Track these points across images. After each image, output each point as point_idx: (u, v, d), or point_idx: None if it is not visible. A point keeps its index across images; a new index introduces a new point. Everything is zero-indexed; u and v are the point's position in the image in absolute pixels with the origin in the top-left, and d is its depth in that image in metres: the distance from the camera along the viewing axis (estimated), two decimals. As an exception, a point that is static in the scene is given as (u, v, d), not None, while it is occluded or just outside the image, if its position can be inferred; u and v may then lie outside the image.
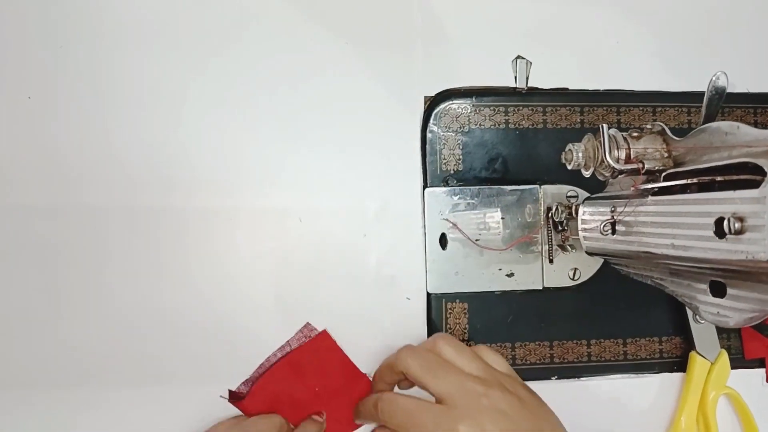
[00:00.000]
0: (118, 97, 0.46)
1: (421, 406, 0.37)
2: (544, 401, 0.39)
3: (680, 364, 0.50)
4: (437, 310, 0.48)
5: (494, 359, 0.41)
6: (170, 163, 0.46)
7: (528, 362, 0.49)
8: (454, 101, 0.49)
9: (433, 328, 0.48)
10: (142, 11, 0.46)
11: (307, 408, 0.43)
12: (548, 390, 0.49)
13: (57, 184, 0.45)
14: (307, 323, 0.44)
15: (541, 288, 0.49)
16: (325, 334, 0.45)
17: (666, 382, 0.50)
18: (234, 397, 0.44)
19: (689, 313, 0.49)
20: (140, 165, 0.46)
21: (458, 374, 0.38)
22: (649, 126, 0.38)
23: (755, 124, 0.52)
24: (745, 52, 0.52)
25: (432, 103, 0.49)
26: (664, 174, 0.37)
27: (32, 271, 0.44)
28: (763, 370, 0.51)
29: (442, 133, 0.49)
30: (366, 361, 0.46)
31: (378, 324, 0.47)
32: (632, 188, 0.38)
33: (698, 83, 0.50)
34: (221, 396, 0.43)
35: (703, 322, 0.49)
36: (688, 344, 0.50)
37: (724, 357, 0.49)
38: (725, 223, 0.30)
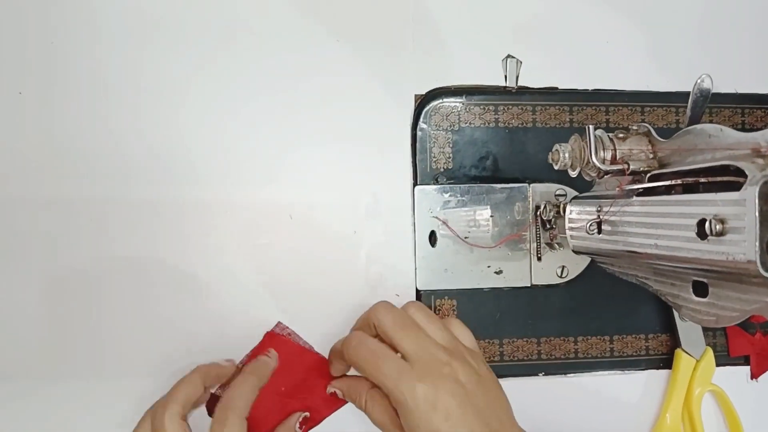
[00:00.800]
0: (115, 93, 0.46)
1: (386, 352, 0.38)
2: (500, 384, 0.40)
3: (666, 361, 0.51)
4: (426, 307, 0.48)
5: (462, 332, 0.41)
6: (164, 158, 0.46)
7: (515, 359, 0.49)
8: (445, 99, 0.49)
9: (422, 324, 0.48)
10: (141, 7, 0.47)
11: (280, 409, 0.43)
12: (535, 386, 0.50)
13: (54, 176, 0.45)
14: (278, 323, 0.44)
15: (529, 285, 0.49)
16: (270, 335, 0.43)
17: (652, 378, 0.51)
18: (213, 401, 0.43)
19: (675, 311, 0.49)
20: (136, 159, 0.46)
21: (426, 338, 0.39)
22: (635, 127, 0.39)
23: (743, 125, 0.52)
24: (733, 53, 0.53)
25: (422, 102, 0.49)
26: (649, 175, 0.37)
27: (32, 266, 0.45)
28: (747, 368, 0.52)
29: (432, 131, 0.49)
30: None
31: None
32: (618, 188, 0.38)
33: (687, 83, 0.50)
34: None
35: (686, 320, 0.49)
36: (674, 341, 0.50)
37: (710, 354, 0.50)
38: (707, 224, 0.30)
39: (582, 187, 0.47)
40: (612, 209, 0.39)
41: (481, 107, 0.49)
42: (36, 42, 0.46)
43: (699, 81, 0.36)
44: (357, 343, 0.40)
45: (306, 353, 0.44)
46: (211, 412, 0.41)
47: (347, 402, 0.43)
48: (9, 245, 0.45)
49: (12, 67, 0.45)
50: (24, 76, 0.45)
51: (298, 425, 0.43)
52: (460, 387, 0.38)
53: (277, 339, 0.43)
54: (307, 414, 0.43)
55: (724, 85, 0.52)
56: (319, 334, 0.46)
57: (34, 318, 0.45)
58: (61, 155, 0.45)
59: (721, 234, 0.30)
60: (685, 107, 0.45)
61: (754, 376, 0.52)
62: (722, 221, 0.30)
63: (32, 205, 0.45)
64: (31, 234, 0.45)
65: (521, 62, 0.50)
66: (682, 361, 0.49)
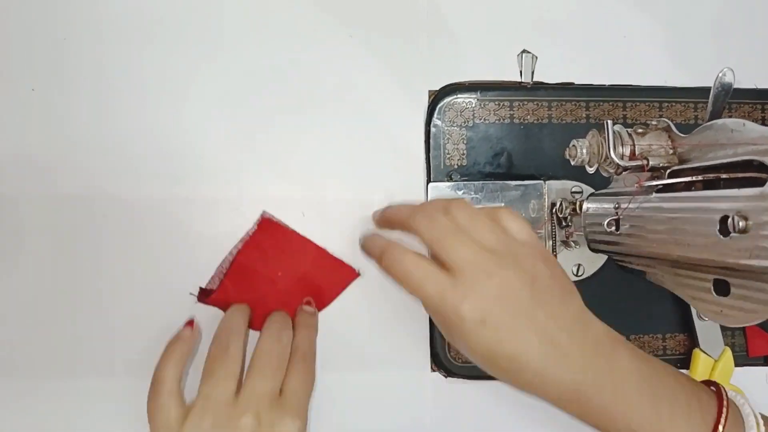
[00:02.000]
0: (123, 89, 0.46)
1: (427, 268, 0.35)
2: (570, 284, 0.36)
3: (683, 362, 0.50)
4: (440, 305, 0.48)
5: (514, 224, 0.37)
6: (174, 155, 0.46)
7: (530, 358, 0.49)
8: (459, 95, 0.48)
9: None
10: (153, 1, 0.46)
11: (277, 294, 0.44)
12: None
13: (63, 173, 0.45)
14: (263, 212, 0.45)
15: (544, 284, 0.48)
16: (265, 222, 0.45)
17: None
18: (204, 295, 0.44)
19: (693, 309, 0.48)
20: (144, 156, 0.46)
21: (471, 245, 0.35)
22: (654, 122, 0.38)
23: (763, 120, 0.51)
24: (753, 48, 0.52)
25: (436, 98, 0.48)
26: (668, 171, 0.37)
27: (33, 262, 0.45)
28: (766, 368, 0.51)
29: (446, 128, 0.48)
30: (371, 359, 0.46)
31: (381, 318, 0.47)
32: (636, 185, 0.38)
33: (705, 78, 0.50)
34: (191, 293, 0.44)
35: (706, 319, 0.48)
36: (692, 341, 0.49)
37: (728, 354, 0.49)
38: (729, 221, 0.30)
39: (598, 184, 0.46)
40: (630, 206, 0.38)
41: (496, 103, 0.49)
42: (48, 38, 0.46)
43: (720, 75, 0.36)
44: (395, 258, 0.36)
45: (300, 242, 0.45)
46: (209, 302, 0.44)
47: (357, 275, 0.44)
48: (14, 241, 0.45)
49: (25, 64, 0.45)
50: (30, 73, 0.45)
51: (306, 305, 0.44)
52: (513, 298, 0.34)
53: (272, 225, 0.44)
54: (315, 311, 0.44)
55: (744, 80, 0.51)
56: (331, 332, 0.46)
57: (35, 318, 0.45)
58: (72, 151, 0.45)
59: (744, 231, 0.29)
60: (705, 103, 0.44)
61: (774, 376, 0.51)
62: (745, 218, 0.29)
63: (38, 201, 0.45)
64: (36, 230, 0.45)
65: (537, 57, 0.49)
66: (701, 361, 0.49)
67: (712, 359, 0.49)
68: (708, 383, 0.38)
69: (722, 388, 0.36)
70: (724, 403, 0.35)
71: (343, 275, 0.46)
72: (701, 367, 0.49)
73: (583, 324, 0.35)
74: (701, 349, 0.49)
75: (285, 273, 0.44)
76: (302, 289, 0.45)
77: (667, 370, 0.36)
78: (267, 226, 0.45)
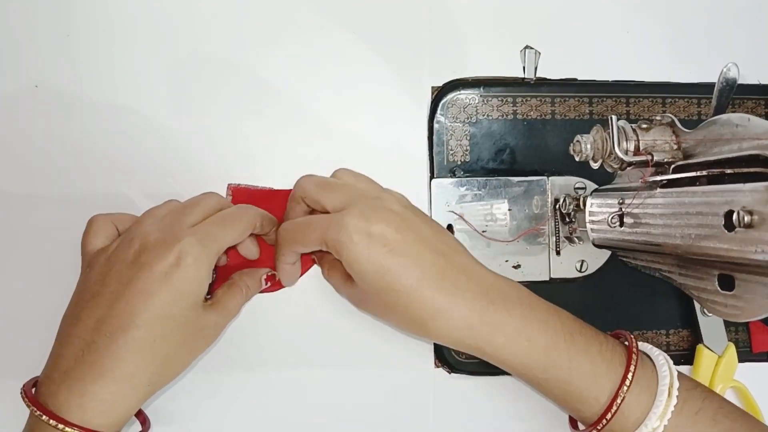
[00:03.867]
0: (126, 86, 0.46)
1: (310, 216, 0.40)
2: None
3: (687, 357, 0.50)
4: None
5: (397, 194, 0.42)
6: (178, 153, 0.46)
7: (534, 354, 0.49)
8: (462, 91, 0.48)
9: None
10: (150, 3, 0.46)
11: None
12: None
13: (68, 172, 0.45)
14: (228, 184, 0.45)
15: (548, 279, 0.48)
16: (235, 190, 0.45)
17: (673, 374, 0.50)
18: None
19: (697, 305, 0.48)
20: (149, 155, 0.46)
21: (352, 188, 0.39)
22: (658, 117, 0.38)
23: (767, 116, 0.51)
24: (756, 43, 0.52)
25: (439, 94, 0.48)
26: (673, 166, 0.37)
27: (33, 261, 0.45)
28: (770, 364, 0.51)
29: (449, 124, 0.48)
30: (370, 357, 0.47)
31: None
32: (641, 180, 0.38)
33: (709, 74, 0.50)
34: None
35: (710, 315, 0.48)
36: (696, 337, 0.49)
37: (732, 350, 0.49)
38: (735, 216, 0.30)
39: (602, 180, 0.46)
40: (635, 201, 0.38)
41: (499, 99, 0.49)
42: (52, 35, 0.45)
43: (725, 70, 0.36)
44: (283, 227, 0.41)
45: (276, 193, 0.45)
46: None
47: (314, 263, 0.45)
48: (13, 240, 0.45)
49: (28, 60, 0.45)
50: (33, 70, 0.45)
51: (264, 279, 0.44)
52: (394, 214, 0.37)
53: (242, 191, 0.45)
54: (273, 272, 0.44)
55: (748, 75, 0.51)
56: (334, 328, 0.46)
57: (37, 317, 0.45)
58: (77, 150, 0.45)
59: (749, 226, 0.29)
60: (708, 98, 0.44)
61: (778, 372, 0.51)
62: (750, 212, 0.29)
63: (42, 200, 0.45)
64: (38, 229, 0.45)
65: (540, 53, 0.49)
66: (704, 357, 0.49)
67: (715, 355, 0.49)
68: (618, 335, 0.40)
69: (633, 340, 0.38)
70: (633, 353, 0.37)
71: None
72: (705, 363, 0.49)
73: (461, 246, 0.40)
74: (705, 345, 0.49)
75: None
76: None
77: (573, 320, 0.39)
78: (238, 193, 0.45)
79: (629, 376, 0.36)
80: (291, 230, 0.40)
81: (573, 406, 0.38)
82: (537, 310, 0.38)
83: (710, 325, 0.49)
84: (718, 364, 0.48)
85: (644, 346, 0.39)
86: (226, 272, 0.44)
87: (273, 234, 0.43)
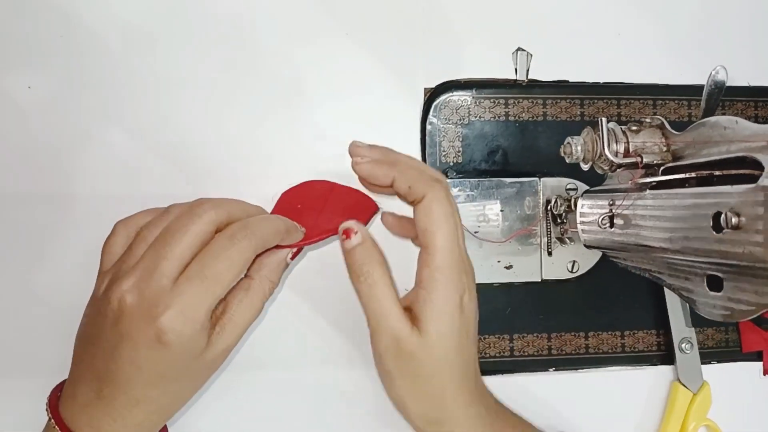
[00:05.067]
0: (121, 87, 0.46)
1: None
2: None
3: (678, 358, 0.50)
4: (436, 302, 0.48)
5: None
6: (175, 153, 0.46)
7: (526, 354, 0.49)
8: (455, 93, 0.49)
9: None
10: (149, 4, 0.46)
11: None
12: (546, 382, 0.49)
13: (64, 172, 0.45)
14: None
15: (539, 280, 0.49)
16: (285, 194, 0.43)
17: (663, 374, 0.50)
18: None
19: (675, 342, 0.49)
20: (146, 155, 0.46)
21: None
22: (648, 120, 0.38)
23: (756, 118, 0.52)
24: (746, 45, 0.52)
25: (432, 95, 0.49)
26: (662, 168, 0.37)
27: (34, 260, 0.45)
28: (760, 364, 0.51)
29: (441, 125, 0.49)
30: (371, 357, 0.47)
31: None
32: (631, 182, 0.38)
33: (700, 76, 0.50)
34: None
35: (688, 352, 0.49)
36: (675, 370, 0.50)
37: (707, 389, 0.49)
38: (722, 217, 0.30)
39: (593, 181, 0.47)
40: (625, 203, 0.39)
41: (491, 101, 0.49)
42: (45, 35, 0.45)
43: (713, 73, 0.36)
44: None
45: (312, 185, 0.43)
46: None
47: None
48: (11, 240, 0.45)
49: (21, 61, 0.45)
50: (27, 71, 0.45)
51: (289, 258, 0.39)
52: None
53: (283, 197, 0.42)
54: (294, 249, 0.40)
55: (737, 78, 0.51)
56: (341, 329, 0.46)
57: (38, 317, 0.45)
58: (71, 151, 0.45)
59: (737, 227, 0.29)
60: (698, 101, 0.44)
61: (767, 371, 0.51)
62: (738, 214, 0.29)
63: (37, 200, 0.45)
64: (34, 229, 0.45)
65: (531, 55, 0.49)
66: (679, 393, 0.49)
67: (690, 392, 0.49)
68: None
69: None
70: None
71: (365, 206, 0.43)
72: (680, 399, 0.49)
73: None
74: (680, 382, 0.49)
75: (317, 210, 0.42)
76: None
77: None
78: (285, 195, 0.43)
79: None
80: (402, 157, 0.39)
81: None
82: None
83: (687, 362, 0.49)
84: (693, 402, 0.49)
85: None
86: None
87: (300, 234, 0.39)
